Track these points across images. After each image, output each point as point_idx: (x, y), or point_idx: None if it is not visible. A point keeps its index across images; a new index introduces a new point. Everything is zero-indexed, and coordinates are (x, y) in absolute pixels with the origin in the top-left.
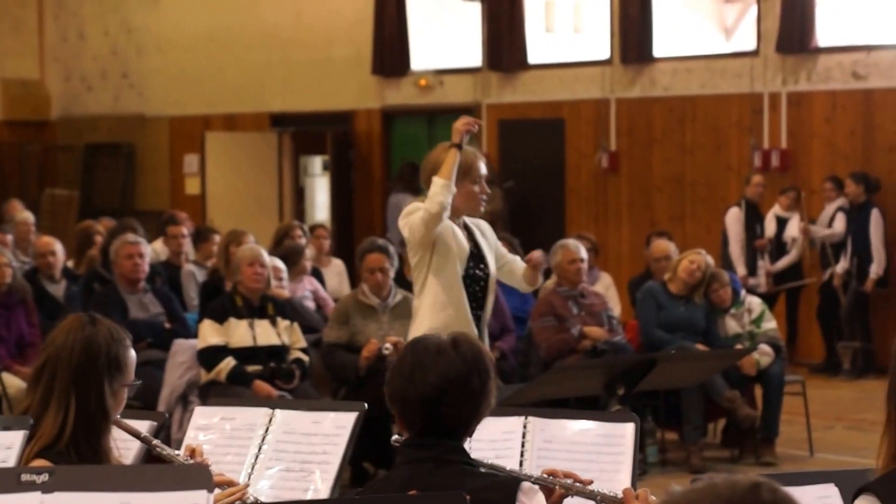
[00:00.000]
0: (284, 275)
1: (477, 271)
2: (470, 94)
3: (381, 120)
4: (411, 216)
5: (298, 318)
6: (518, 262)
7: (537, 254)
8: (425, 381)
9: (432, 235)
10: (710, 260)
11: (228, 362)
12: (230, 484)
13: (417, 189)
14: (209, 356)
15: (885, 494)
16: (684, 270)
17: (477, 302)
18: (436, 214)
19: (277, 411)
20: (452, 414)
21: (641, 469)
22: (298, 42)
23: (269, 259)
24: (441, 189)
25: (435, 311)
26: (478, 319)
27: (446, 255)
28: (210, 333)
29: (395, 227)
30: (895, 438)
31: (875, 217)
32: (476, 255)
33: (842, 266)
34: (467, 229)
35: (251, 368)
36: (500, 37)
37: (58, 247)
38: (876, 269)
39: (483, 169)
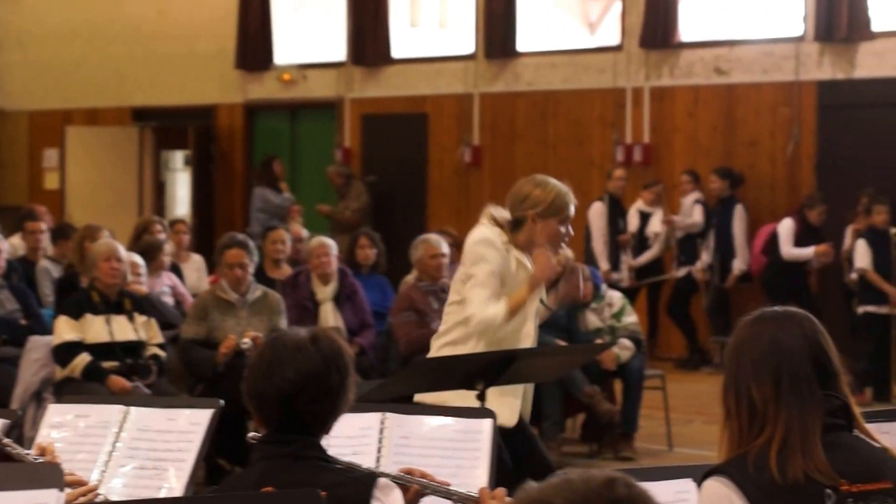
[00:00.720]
0: (143, 270)
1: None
2: (333, 88)
3: (244, 114)
4: (484, 312)
5: (156, 314)
6: None
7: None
8: (283, 377)
9: None
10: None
11: (83, 358)
12: (80, 483)
13: (277, 184)
14: (64, 352)
15: (736, 473)
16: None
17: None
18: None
19: (132, 409)
20: (310, 410)
21: (499, 465)
22: (161, 36)
23: (126, 254)
24: (501, 320)
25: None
26: None
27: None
28: (65, 329)
29: (256, 221)
30: (737, 432)
31: (739, 212)
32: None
33: (703, 261)
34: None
35: (108, 364)
36: (364, 31)
37: None
38: (739, 265)
39: (572, 210)
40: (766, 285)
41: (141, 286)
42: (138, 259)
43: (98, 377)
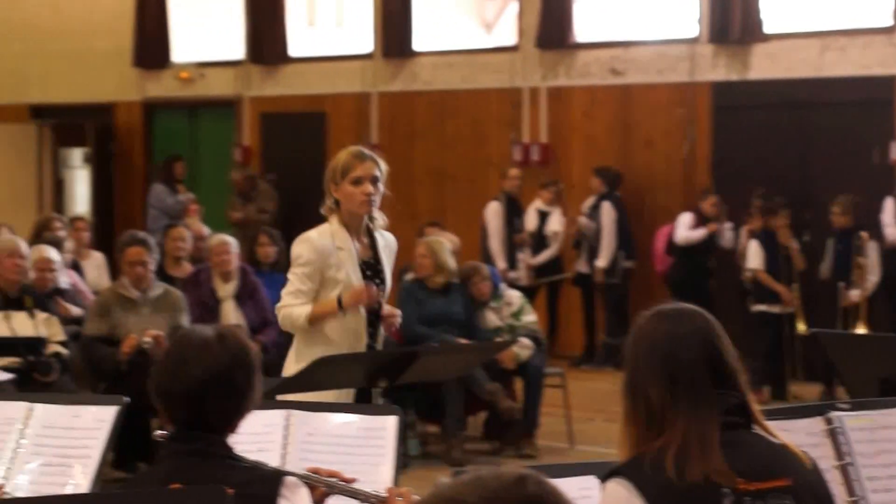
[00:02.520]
0: (58, 265)
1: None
2: (231, 86)
3: (143, 112)
4: (286, 311)
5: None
6: None
7: (388, 311)
8: (190, 375)
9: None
10: (441, 240)
11: None
12: None
13: (175, 184)
14: None
15: (635, 474)
16: (418, 268)
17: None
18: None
19: (37, 405)
20: (217, 408)
21: (403, 462)
22: (58, 33)
23: (44, 249)
24: (301, 324)
25: (312, 351)
26: (373, 339)
27: (333, 288)
28: None
29: (150, 217)
30: (635, 433)
31: (605, 208)
32: (374, 267)
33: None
34: (371, 237)
35: (8, 360)
36: (262, 30)
37: None
38: (600, 262)
39: (366, 169)
40: (670, 284)
41: (59, 278)
42: (54, 254)
43: None
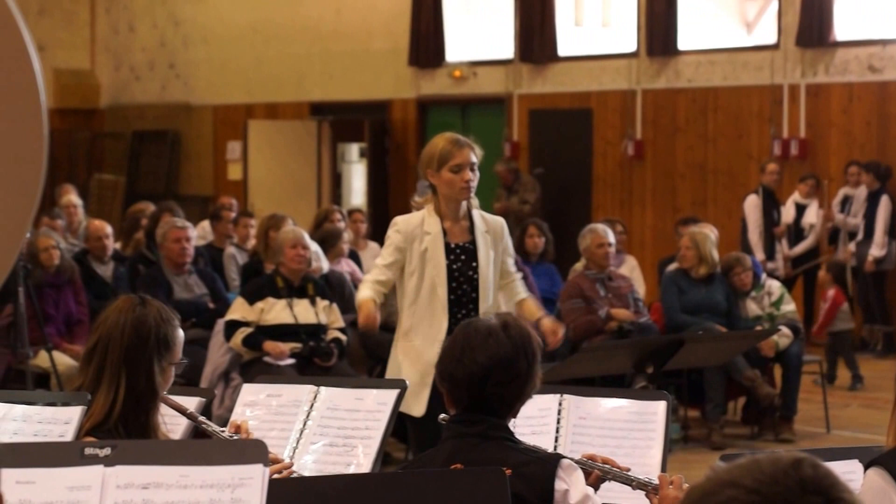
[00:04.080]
0: (318, 256)
1: (469, 270)
2: (502, 84)
3: (417, 109)
4: (386, 239)
5: (345, 294)
6: (517, 289)
7: (550, 328)
8: (474, 361)
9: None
10: (705, 232)
11: (243, 330)
12: (276, 460)
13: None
14: (230, 329)
15: (893, 466)
16: (682, 259)
17: (466, 302)
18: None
19: (322, 388)
20: (498, 393)
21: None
22: (338, 34)
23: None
24: (357, 301)
25: (398, 340)
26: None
27: (421, 274)
28: (235, 310)
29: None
30: None
31: (884, 202)
32: (469, 251)
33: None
34: (471, 221)
35: (290, 346)
36: (532, 30)
37: (109, 230)
38: (874, 252)
39: (465, 156)
40: None
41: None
42: (312, 245)
43: (256, 345)
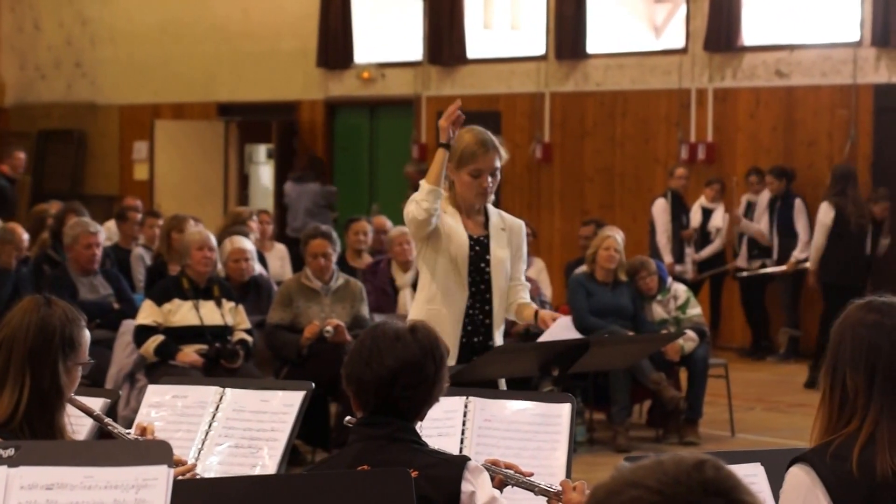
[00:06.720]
0: (252, 255)
1: (481, 262)
2: (410, 86)
3: (325, 110)
4: (407, 206)
5: (265, 296)
6: (520, 293)
7: (549, 314)
8: (382, 364)
9: (424, 234)
10: (620, 237)
11: (156, 338)
12: (180, 462)
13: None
14: (140, 334)
15: (818, 462)
16: (603, 259)
17: (479, 297)
18: (423, 221)
19: (228, 390)
20: (406, 396)
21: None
22: (246, 35)
23: (238, 240)
24: (426, 195)
25: (420, 304)
26: (484, 314)
27: (437, 248)
28: (144, 314)
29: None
30: (826, 416)
31: (798, 205)
32: (482, 244)
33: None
34: (486, 217)
35: (196, 348)
36: (441, 32)
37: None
38: (797, 254)
39: (489, 162)
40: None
41: (251, 269)
42: (248, 244)
43: (169, 355)
